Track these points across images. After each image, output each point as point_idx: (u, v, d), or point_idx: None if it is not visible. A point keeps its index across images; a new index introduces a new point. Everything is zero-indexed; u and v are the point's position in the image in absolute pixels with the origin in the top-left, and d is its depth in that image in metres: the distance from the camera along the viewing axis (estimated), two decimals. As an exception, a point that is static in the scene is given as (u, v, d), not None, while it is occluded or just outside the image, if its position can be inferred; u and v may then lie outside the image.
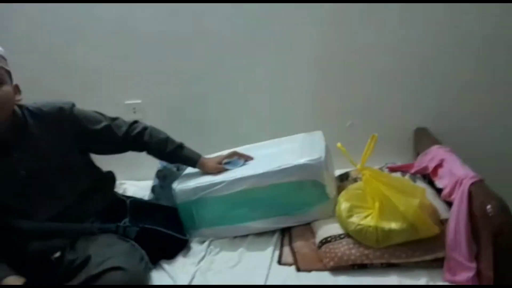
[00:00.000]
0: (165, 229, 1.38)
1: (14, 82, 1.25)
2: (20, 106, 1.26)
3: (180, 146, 1.49)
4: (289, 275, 1.21)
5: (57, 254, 1.26)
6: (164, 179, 1.65)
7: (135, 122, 1.48)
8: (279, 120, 1.87)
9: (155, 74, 1.91)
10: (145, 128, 1.46)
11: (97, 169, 1.44)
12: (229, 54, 1.83)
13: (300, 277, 1.21)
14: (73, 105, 1.35)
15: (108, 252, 1.20)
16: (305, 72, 1.81)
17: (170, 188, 1.53)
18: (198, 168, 1.51)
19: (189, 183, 1.45)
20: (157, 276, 1.26)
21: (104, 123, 1.39)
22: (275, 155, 1.49)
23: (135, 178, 1.94)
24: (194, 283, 1.22)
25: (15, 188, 1.24)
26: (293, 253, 1.28)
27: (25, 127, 1.24)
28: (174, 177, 1.59)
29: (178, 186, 1.46)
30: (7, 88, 1.18)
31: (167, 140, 1.47)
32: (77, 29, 1.88)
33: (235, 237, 1.42)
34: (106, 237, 1.28)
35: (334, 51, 1.76)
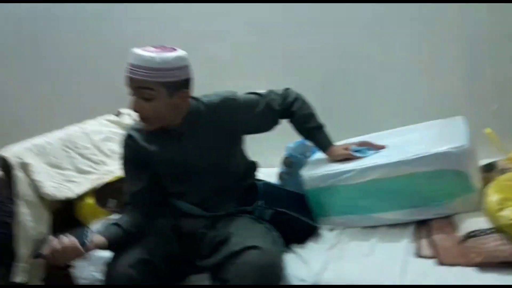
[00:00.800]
0: (295, 215, 1.44)
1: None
2: (195, 99, 1.40)
3: (319, 127, 1.51)
4: (429, 268, 1.17)
5: (202, 231, 1.39)
6: (290, 166, 1.70)
7: (286, 90, 1.53)
8: (412, 106, 1.79)
9: (280, 63, 1.98)
10: (296, 99, 1.51)
11: (247, 158, 1.56)
12: (357, 37, 1.80)
13: (440, 271, 1.16)
14: (235, 94, 1.44)
15: (246, 232, 1.29)
16: (445, 51, 1.69)
17: (297, 175, 1.58)
18: (327, 154, 1.52)
19: (317, 170, 1.48)
20: (289, 259, 1.31)
21: (263, 103, 1.46)
22: (409, 142, 1.44)
23: (262, 165, 2.03)
24: (328, 269, 1.25)
25: (181, 172, 1.41)
26: (434, 246, 1.23)
27: (197, 118, 1.38)
28: (301, 164, 1.64)
29: (306, 172, 1.50)
30: (155, 103, 1.27)
31: (312, 116, 1.52)
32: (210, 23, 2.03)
33: (366, 227, 1.42)
34: (243, 218, 1.38)
35: (482, 27, 1.62)
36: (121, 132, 1.97)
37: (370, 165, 1.37)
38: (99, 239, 1.28)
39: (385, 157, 1.38)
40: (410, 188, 1.33)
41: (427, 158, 1.28)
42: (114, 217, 1.67)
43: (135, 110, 1.29)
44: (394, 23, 1.75)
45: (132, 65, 1.25)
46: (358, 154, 1.47)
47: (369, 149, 1.49)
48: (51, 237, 1.20)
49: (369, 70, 1.85)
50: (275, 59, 2.05)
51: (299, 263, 1.30)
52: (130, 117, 2.18)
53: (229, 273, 1.20)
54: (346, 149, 1.50)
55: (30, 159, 1.68)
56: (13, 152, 1.68)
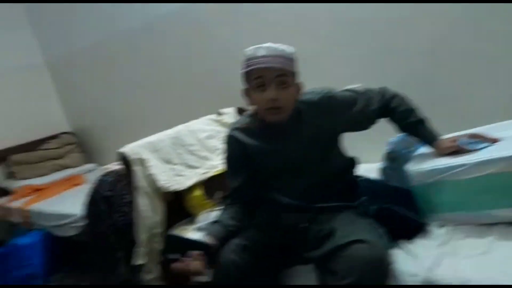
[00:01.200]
0: (401, 210, 1.42)
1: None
2: None
3: (422, 121, 1.48)
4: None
5: (304, 225, 1.44)
6: (394, 161, 1.68)
7: (383, 88, 1.52)
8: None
9: (373, 57, 1.95)
10: (395, 95, 1.50)
11: (346, 154, 1.58)
12: (459, 23, 1.73)
13: None
14: (332, 91, 1.48)
15: (351, 227, 1.32)
16: None
17: (400, 170, 1.56)
18: (434, 147, 1.47)
19: (424, 164, 1.43)
20: (397, 254, 1.31)
21: (361, 101, 1.47)
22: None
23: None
24: (442, 265, 1.23)
25: (283, 168, 1.47)
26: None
27: (298, 115, 1.45)
28: (405, 159, 1.60)
29: (413, 167, 1.47)
30: (291, 90, 1.38)
31: (412, 111, 1.49)
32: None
33: (480, 224, 1.35)
34: (347, 214, 1.40)
35: None
36: (222, 130, 2.11)
37: (487, 158, 1.29)
38: (214, 244, 1.37)
39: (502, 150, 1.30)
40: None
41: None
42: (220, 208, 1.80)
43: (274, 99, 1.35)
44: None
45: (268, 56, 1.34)
46: (469, 147, 1.41)
47: (481, 142, 1.42)
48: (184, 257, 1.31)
49: (471, 61, 1.76)
50: (370, 55, 2.03)
51: (409, 258, 1.29)
52: (229, 116, 2.31)
53: (337, 265, 1.23)
54: (454, 142, 1.44)
55: (146, 155, 1.88)
56: (131, 149, 1.89)
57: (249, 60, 1.37)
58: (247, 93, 1.44)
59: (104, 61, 3.22)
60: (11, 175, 3.27)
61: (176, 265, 1.30)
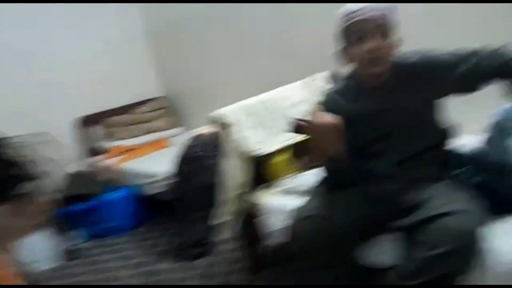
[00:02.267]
0: (503, 185, 1.35)
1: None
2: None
3: None
4: None
5: (396, 194, 1.41)
6: (499, 133, 1.57)
7: (503, 46, 1.35)
8: None
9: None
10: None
11: (446, 122, 1.52)
12: None
13: None
14: (436, 51, 1.41)
15: (447, 196, 1.29)
16: None
17: (505, 143, 1.46)
18: None
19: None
20: (498, 230, 1.25)
21: (468, 62, 1.35)
22: None
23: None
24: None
25: (381, 131, 1.44)
26: None
27: (396, 76, 1.41)
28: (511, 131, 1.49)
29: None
30: (390, 42, 1.37)
31: None
32: None
33: None
34: (442, 185, 1.37)
35: None
36: (315, 95, 2.10)
37: None
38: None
39: None
40: None
41: None
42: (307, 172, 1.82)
43: (375, 50, 1.34)
44: None
45: (366, 8, 1.34)
46: None
47: None
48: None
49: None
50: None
51: (507, 234, 1.23)
52: (322, 81, 2.30)
53: (426, 235, 1.22)
54: None
55: (240, 118, 1.97)
56: (225, 111, 1.98)
57: (348, 15, 1.37)
58: (344, 51, 1.43)
59: (199, 29, 3.37)
60: (107, 136, 3.57)
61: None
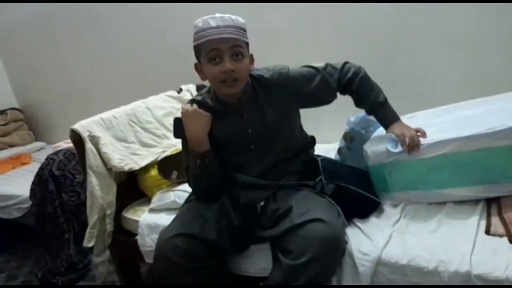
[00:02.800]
0: (357, 190, 1.47)
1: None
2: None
3: (380, 104, 1.50)
4: (500, 246, 1.18)
5: (262, 203, 1.47)
6: (352, 141, 1.73)
7: (345, 64, 1.52)
8: (479, 78, 1.78)
9: (341, 35, 1.99)
10: (355, 73, 1.50)
11: (304, 133, 1.61)
12: (421, 8, 1.78)
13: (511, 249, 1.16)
14: (288, 68, 1.48)
15: (309, 205, 1.34)
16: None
17: (357, 150, 1.61)
18: (389, 131, 1.48)
19: (381, 145, 1.48)
20: (352, 233, 1.36)
21: (318, 77, 1.48)
22: (480, 116, 1.42)
23: (319, 141, 2.08)
24: (391, 243, 1.29)
25: (241, 146, 1.48)
26: (505, 224, 1.23)
27: (253, 92, 1.45)
28: (362, 139, 1.65)
29: (370, 147, 1.52)
30: (246, 61, 1.37)
31: (373, 90, 1.50)
32: None
33: (432, 203, 1.43)
34: (305, 192, 1.44)
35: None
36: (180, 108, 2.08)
37: (439, 139, 1.36)
38: None
39: (454, 131, 1.36)
40: (483, 164, 1.32)
41: (504, 132, 1.27)
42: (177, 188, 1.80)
43: (230, 70, 1.33)
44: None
45: (221, 27, 1.31)
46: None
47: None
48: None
49: (433, 41, 1.84)
50: (335, 31, 2.07)
51: (362, 237, 1.35)
52: (189, 93, 2.29)
53: (292, 244, 1.26)
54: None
55: (99, 133, 1.83)
56: (83, 125, 1.82)
57: (201, 32, 1.33)
58: (200, 67, 1.42)
59: (49, 33, 3.10)
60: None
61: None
